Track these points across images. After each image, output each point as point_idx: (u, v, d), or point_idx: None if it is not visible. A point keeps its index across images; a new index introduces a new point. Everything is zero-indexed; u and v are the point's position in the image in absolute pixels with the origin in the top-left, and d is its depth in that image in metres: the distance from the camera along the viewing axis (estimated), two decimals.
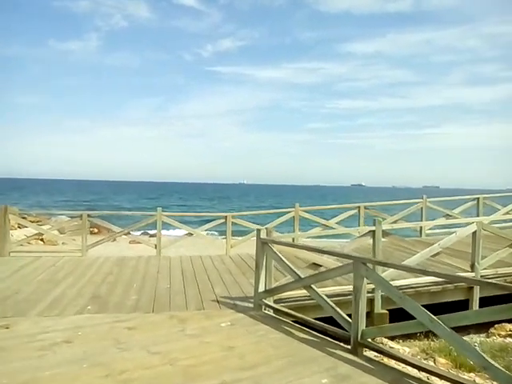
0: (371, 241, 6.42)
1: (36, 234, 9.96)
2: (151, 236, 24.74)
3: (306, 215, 10.69)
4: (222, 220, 10.21)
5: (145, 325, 5.15)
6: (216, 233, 14.43)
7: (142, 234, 24.14)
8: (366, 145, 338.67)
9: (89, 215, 9.51)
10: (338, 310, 4.80)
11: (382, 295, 6.44)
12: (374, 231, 6.48)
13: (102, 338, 4.59)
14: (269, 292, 5.81)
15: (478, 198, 11.80)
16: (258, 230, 5.87)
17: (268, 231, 5.91)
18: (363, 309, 4.40)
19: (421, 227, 11.46)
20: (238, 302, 6.20)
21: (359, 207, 10.97)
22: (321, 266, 6.19)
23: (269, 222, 11.01)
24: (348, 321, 4.53)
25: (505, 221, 12.24)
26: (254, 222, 10.79)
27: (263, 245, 5.83)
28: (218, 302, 6.22)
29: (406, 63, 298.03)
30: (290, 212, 10.56)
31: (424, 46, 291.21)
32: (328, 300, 5.04)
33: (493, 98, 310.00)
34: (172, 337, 4.69)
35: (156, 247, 9.78)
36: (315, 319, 5.35)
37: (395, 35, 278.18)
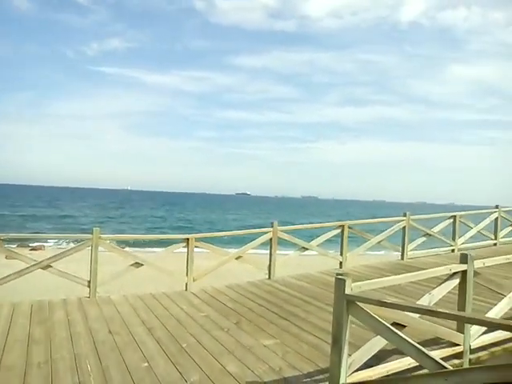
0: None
1: None
2: (32, 249, 19.92)
3: (285, 236, 8.48)
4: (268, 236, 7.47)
5: None
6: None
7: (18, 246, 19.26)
8: (252, 155, 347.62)
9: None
10: None
11: None
12: (464, 272, 4.58)
13: None
14: None
15: (455, 217, 10.78)
16: (341, 280, 3.50)
17: (349, 280, 3.57)
18: None
19: (403, 249, 10.02)
20: None
21: (343, 226, 9.09)
22: (405, 326, 4.06)
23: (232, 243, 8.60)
24: None
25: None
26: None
27: (349, 305, 3.49)
28: None
29: (290, 80, 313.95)
30: (267, 233, 8.23)
31: (306, 66, 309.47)
32: None
33: (365, 118, 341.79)
34: None
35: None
36: None
37: (281, 53, 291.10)
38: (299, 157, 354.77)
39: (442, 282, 4.53)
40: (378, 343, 3.89)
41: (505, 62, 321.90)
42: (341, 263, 9.15)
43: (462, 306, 4.56)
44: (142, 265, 7.16)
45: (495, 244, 11.73)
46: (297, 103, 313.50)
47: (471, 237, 11.30)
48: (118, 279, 7.28)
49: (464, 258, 4.58)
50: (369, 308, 3.48)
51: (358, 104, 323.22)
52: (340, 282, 3.50)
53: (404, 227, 9.97)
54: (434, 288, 4.49)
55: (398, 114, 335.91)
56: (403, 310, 3.62)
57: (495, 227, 11.73)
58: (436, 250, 10.81)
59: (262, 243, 8.20)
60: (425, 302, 4.35)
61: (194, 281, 7.52)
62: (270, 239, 8.25)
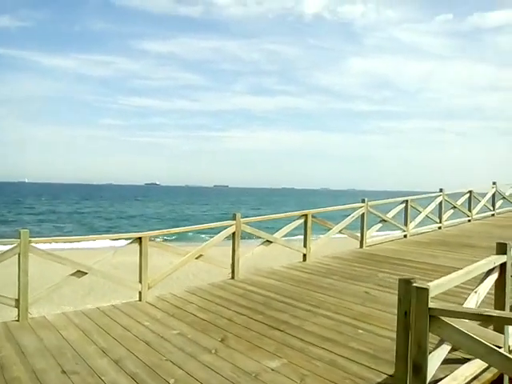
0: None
1: None
2: None
3: (249, 229, 7.48)
4: None
5: None
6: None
7: None
8: (160, 144, 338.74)
9: None
10: None
11: None
12: (502, 264, 3.97)
13: None
14: None
15: (407, 201, 10.59)
16: (422, 291, 2.63)
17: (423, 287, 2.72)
18: None
19: (362, 236, 9.55)
20: None
21: (306, 215, 8.32)
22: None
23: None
24: None
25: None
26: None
27: (432, 322, 2.64)
28: None
29: (198, 68, 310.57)
30: (230, 225, 7.16)
31: (214, 53, 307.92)
32: None
33: (271, 107, 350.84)
34: None
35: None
36: None
37: (187, 39, 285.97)
38: (209, 145, 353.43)
39: (484, 278, 3.88)
40: (436, 361, 3.13)
41: (397, 57, 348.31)
42: (304, 255, 8.40)
43: (500, 303, 3.97)
44: (86, 273, 5.72)
45: (440, 227, 11.85)
46: (205, 91, 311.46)
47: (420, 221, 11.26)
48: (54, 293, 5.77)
49: (502, 248, 3.98)
50: (453, 322, 2.67)
51: (265, 93, 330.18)
52: (421, 294, 2.63)
53: (363, 214, 9.51)
54: (478, 285, 3.84)
55: (303, 104, 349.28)
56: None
57: (439, 211, 11.85)
58: (390, 235, 10.58)
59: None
60: (472, 302, 3.68)
61: (148, 288, 6.25)
62: (233, 233, 7.21)
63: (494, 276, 3.94)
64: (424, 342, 2.63)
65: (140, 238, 6.17)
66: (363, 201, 9.55)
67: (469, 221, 13.11)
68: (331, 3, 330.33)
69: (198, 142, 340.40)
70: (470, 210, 13.11)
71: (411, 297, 2.76)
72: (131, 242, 6.20)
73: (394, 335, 4.62)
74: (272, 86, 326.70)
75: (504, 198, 14.84)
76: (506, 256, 3.95)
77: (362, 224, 9.56)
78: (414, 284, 2.70)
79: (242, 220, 7.30)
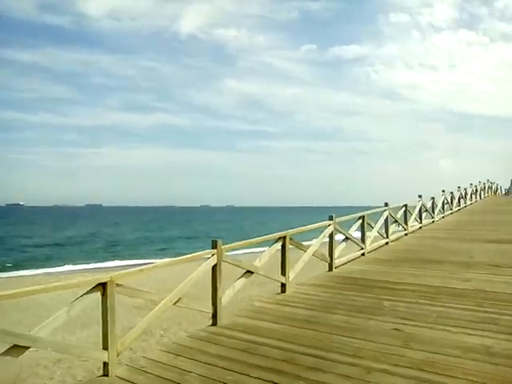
0: None
1: None
2: None
3: (229, 259, 5.87)
4: None
5: None
6: None
7: None
8: (24, 161, 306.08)
9: None
10: None
11: None
12: None
13: None
14: None
15: (363, 217, 9.90)
16: None
17: None
18: None
19: (331, 258, 8.50)
20: None
21: (284, 238, 6.96)
22: None
23: None
24: None
25: None
26: None
27: None
28: None
29: (66, 80, 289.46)
30: (212, 255, 5.49)
31: (84, 67, 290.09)
32: None
33: (147, 124, 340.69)
34: None
35: None
36: None
37: (53, 50, 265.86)
38: (81, 162, 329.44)
39: None
40: None
41: (268, 80, 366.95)
42: (283, 285, 7.03)
43: None
44: (28, 348, 3.62)
45: (387, 243, 11.45)
46: (74, 105, 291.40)
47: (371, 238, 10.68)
48: None
49: None
50: None
51: (141, 110, 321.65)
52: None
53: (331, 233, 8.49)
54: None
55: (180, 122, 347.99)
56: None
57: (386, 226, 11.46)
58: (352, 254, 9.74)
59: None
60: None
61: (117, 355, 4.31)
62: (214, 266, 5.56)
63: None
64: None
65: (104, 285, 4.24)
66: (331, 218, 8.54)
67: (405, 234, 13.06)
68: (205, 25, 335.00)
69: (68, 158, 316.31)
70: (406, 224, 13.09)
71: None
72: (90, 291, 4.22)
73: None
74: (148, 103, 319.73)
75: (427, 210, 15.33)
76: None
77: (330, 244, 8.53)
78: None
79: (224, 247, 5.69)
